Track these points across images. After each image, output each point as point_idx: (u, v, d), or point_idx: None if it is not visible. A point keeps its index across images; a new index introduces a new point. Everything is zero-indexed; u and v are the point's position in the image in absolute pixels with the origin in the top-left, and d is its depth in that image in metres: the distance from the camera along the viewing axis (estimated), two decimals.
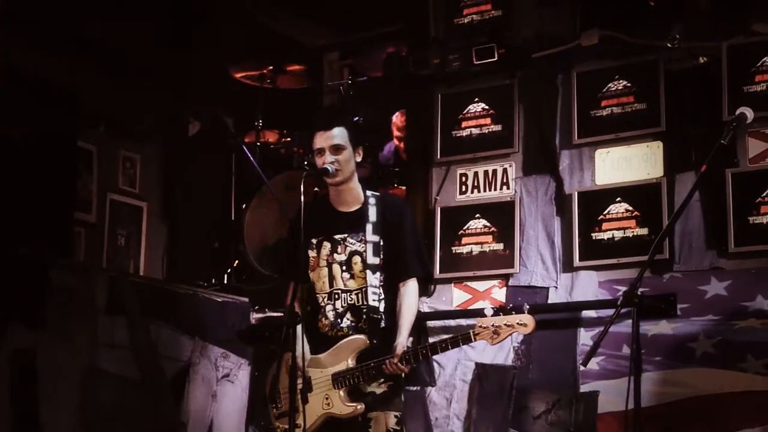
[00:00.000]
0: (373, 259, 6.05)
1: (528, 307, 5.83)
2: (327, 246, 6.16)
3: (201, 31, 9.97)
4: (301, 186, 5.90)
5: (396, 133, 9.54)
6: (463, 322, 7.37)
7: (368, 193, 6.27)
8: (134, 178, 9.86)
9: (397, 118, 9.49)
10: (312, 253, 6.15)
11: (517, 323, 5.77)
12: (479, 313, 5.92)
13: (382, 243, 6.09)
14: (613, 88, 7.58)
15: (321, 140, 6.13)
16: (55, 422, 6.82)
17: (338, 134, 6.12)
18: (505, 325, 5.77)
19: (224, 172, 9.49)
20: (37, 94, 8.10)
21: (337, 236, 6.15)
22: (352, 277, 6.09)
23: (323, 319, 6.13)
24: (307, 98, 10.25)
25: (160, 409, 7.43)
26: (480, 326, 5.82)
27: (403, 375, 6.07)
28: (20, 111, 7.79)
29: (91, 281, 7.28)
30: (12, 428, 6.66)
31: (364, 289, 6.03)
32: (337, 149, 6.08)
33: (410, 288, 6.14)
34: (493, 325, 5.79)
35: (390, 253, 6.11)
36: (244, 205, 9.04)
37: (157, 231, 10.06)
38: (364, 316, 6.03)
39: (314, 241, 6.16)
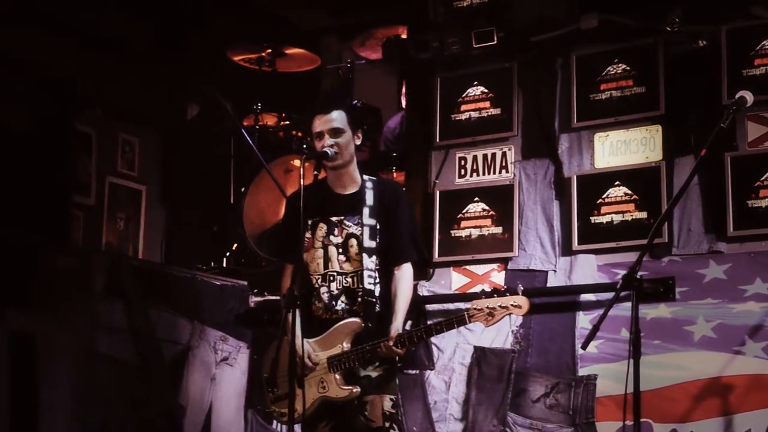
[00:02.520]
0: (369, 243, 6.02)
1: (522, 288, 5.80)
2: (323, 227, 6.13)
3: (199, 14, 9.94)
4: (300, 169, 5.86)
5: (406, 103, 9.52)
6: (461, 305, 7.31)
7: (365, 177, 6.25)
8: (133, 161, 9.88)
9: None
10: (307, 234, 6.11)
11: (512, 305, 5.74)
12: (477, 296, 5.90)
13: (378, 227, 6.07)
14: (612, 72, 7.56)
15: (320, 124, 6.11)
16: (54, 405, 6.82)
17: (337, 117, 6.10)
18: (500, 306, 5.75)
19: (223, 155, 9.48)
20: (33, 79, 8.07)
21: (333, 218, 6.12)
22: (348, 259, 6.06)
23: (317, 301, 6.11)
24: (306, 81, 10.23)
25: (158, 393, 7.43)
26: (475, 308, 5.79)
27: (397, 358, 6.05)
28: (15, 96, 7.77)
29: (89, 264, 7.27)
30: (12, 411, 6.67)
31: (359, 272, 6.01)
32: (336, 132, 6.07)
33: (405, 272, 6.11)
34: (487, 307, 5.76)
35: (386, 237, 6.09)
36: (243, 189, 9.03)
37: (156, 214, 10.10)
38: (359, 299, 6.01)
39: (309, 221, 6.12)
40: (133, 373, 7.30)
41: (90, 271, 7.24)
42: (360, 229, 6.05)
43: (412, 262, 6.18)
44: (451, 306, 7.51)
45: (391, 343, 5.82)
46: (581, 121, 7.61)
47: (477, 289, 7.52)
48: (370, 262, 6.00)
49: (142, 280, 7.52)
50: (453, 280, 7.85)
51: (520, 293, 5.77)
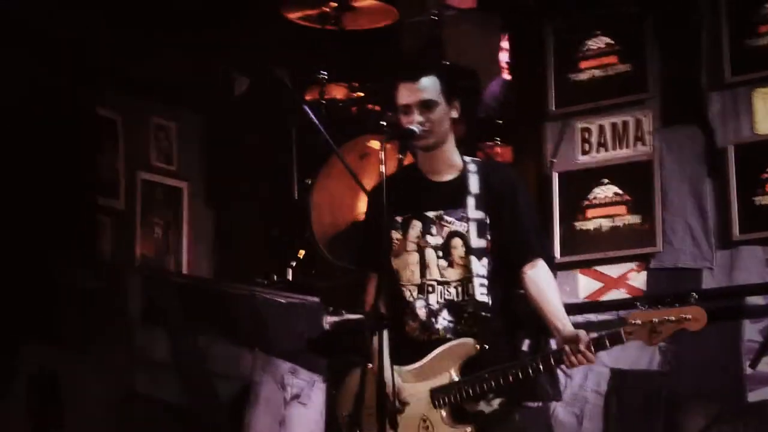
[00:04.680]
0: (478, 242, 5.89)
1: (696, 296, 5.51)
2: (417, 225, 6.01)
3: None
4: (381, 153, 5.75)
5: (506, 60, 9.51)
6: (592, 317, 7.25)
7: (467, 158, 6.14)
8: (170, 151, 9.99)
9: (506, 43, 9.48)
10: (396, 235, 6.02)
11: (685, 317, 5.45)
12: (617, 305, 5.75)
13: (488, 221, 5.95)
14: None
15: (406, 94, 5.97)
16: None
17: (428, 86, 5.95)
18: (668, 320, 5.47)
19: (282, 139, 9.46)
20: (40, 51, 8.08)
21: (430, 213, 6.00)
22: (451, 264, 5.92)
23: (411, 320, 5.98)
24: (382, 41, 10.15)
25: None
26: (633, 323, 5.53)
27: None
28: (20, 74, 7.77)
29: (121, 284, 7.40)
30: None
31: (467, 280, 5.89)
32: (427, 105, 5.93)
33: (541, 267, 5.92)
34: (651, 321, 5.49)
35: (501, 233, 5.95)
36: (309, 181, 9.01)
37: (202, 217, 10.19)
38: (467, 315, 5.87)
39: (399, 219, 6.02)
40: (181, 419, 7.34)
41: (122, 291, 7.36)
42: (465, 225, 5.93)
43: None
44: (579, 318, 7.37)
45: (583, 347, 5.59)
46: (737, 74, 7.59)
47: (611, 296, 7.60)
48: (480, 266, 5.87)
49: (188, 300, 7.62)
50: (580, 286, 7.90)
51: (693, 302, 5.47)
